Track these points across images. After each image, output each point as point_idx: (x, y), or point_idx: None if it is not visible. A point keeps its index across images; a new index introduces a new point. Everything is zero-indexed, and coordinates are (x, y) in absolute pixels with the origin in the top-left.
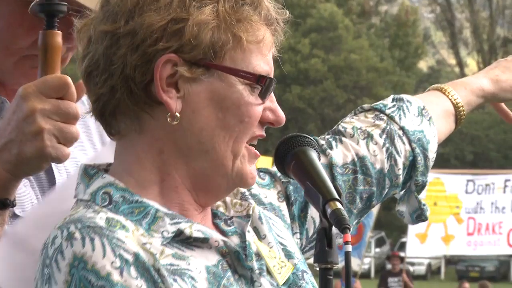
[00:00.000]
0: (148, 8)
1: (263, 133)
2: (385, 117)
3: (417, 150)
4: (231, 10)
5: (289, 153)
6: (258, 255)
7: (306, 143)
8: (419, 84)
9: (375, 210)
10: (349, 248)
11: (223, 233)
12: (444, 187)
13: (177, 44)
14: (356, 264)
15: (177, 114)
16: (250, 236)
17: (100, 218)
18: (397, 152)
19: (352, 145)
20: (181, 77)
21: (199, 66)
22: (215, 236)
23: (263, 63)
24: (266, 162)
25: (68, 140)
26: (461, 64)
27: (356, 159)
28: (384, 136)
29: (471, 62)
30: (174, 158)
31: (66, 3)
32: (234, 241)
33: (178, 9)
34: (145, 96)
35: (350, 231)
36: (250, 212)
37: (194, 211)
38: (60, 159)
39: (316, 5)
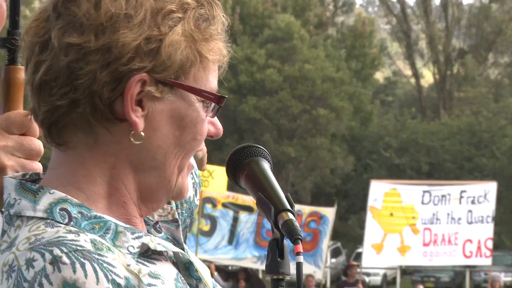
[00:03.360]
0: (121, 25)
1: (194, 164)
2: None
3: None
4: (198, 29)
5: (241, 163)
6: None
7: (258, 153)
8: (375, 95)
9: (331, 220)
10: (301, 259)
11: None
12: (401, 198)
13: (151, 65)
14: (312, 271)
15: (142, 133)
16: (185, 244)
17: (85, 240)
18: (197, 183)
19: None
20: (146, 95)
21: (166, 85)
22: (172, 247)
23: (215, 78)
24: (221, 172)
25: None
26: (417, 75)
27: None
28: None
29: (427, 73)
30: (124, 174)
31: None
32: (172, 248)
33: (151, 28)
34: (109, 112)
35: (301, 241)
36: (176, 217)
37: (139, 223)
38: None
39: (273, 15)
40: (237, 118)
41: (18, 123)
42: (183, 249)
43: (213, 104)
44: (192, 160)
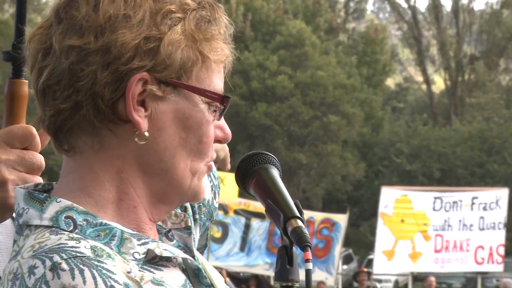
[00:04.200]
0: (120, 25)
1: (213, 166)
2: None
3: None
4: (199, 29)
5: (250, 170)
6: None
7: (267, 160)
8: (387, 101)
9: (343, 226)
10: (310, 266)
11: None
12: (412, 204)
13: (151, 64)
14: (324, 278)
15: (146, 133)
16: (197, 251)
17: (85, 247)
18: (216, 186)
19: None
20: (149, 96)
21: (168, 85)
22: (180, 253)
23: (220, 80)
24: (233, 178)
25: None
26: (428, 81)
27: None
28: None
29: (438, 79)
30: (133, 177)
31: None
32: (181, 254)
33: (150, 27)
34: (112, 113)
35: (311, 248)
36: (189, 224)
37: (149, 230)
38: None
39: (284, 22)
40: (248, 124)
41: (20, 137)
42: (193, 256)
43: (220, 107)
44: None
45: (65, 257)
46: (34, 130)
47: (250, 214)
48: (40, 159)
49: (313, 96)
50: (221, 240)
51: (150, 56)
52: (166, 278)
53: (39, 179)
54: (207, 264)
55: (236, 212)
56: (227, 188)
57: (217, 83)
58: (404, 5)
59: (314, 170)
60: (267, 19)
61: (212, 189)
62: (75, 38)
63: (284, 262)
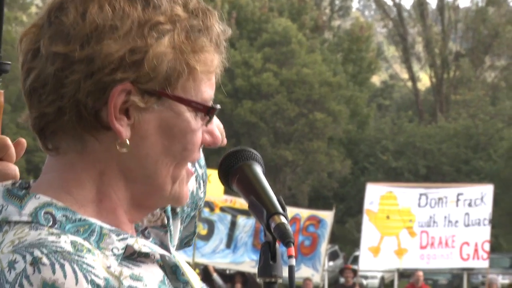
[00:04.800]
0: (106, 36)
1: (200, 156)
2: None
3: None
4: (187, 40)
5: (233, 167)
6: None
7: (250, 157)
8: (372, 98)
9: (329, 223)
10: (293, 262)
11: None
12: (397, 201)
13: (135, 75)
14: (310, 274)
15: (127, 141)
16: (173, 248)
17: (65, 242)
18: (201, 176)
19: None
20: (132, 105)
21: (152, 95)
22: (159, 250)
23: (209, 89)
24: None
25: None
26: (414, 78)
27: None
28: None
29: (424, 77)
30: (115, 180)
31: (9, 62)
32: (159, 250)
33: (136, 39)
34: (94, 121)
35: (293, 244)
36: (165, 222)
37: (127, 230)
38: None
39: (270, 20)
40: (233, 122)
41: None
42: (170, 253)
43: (207, 116)
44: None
45: (45, 251)
46: (8, 140)
47: (236, 211)
48: (14, 169)
49: (298, 93)
50: (207, 237)
51: (134, 68)
52: (145, 274)
53: None
54: (183, 262)
55: (222, 209)
56: (213, 185)
57: (205, 91)
58: (390, 2)
59: (300, 167)
60: (252, 17)
61: (196, 179)
62: (61, 45)
63: (268, 258)
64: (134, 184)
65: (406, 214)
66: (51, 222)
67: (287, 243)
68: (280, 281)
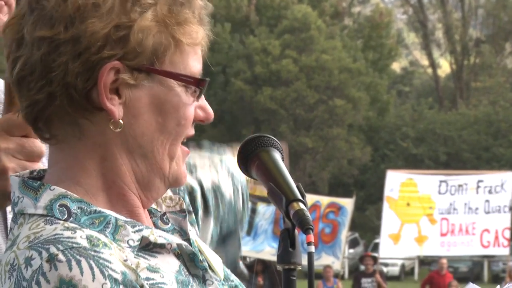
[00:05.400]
0: (89, 15)
1: (193, 132)
2: None
3: None
4: (171, 14)
5: (251, 153)
6: (200, 251)
7: (269, 143)
8: (392, 85)
9: (349, 210)
10: (312, 249)
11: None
12: (417, 188)
13: (122, 52)
14: (331, 262)
15: (121, 121)
16: (193, 234)
17: (81, 237)
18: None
19: None
20: (122, 83)
21: (141, 71)
22: (175, 239)
23: (197, 62)
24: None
25: None
26: (434, 65)
27: None
28: None
29: (444, 63)
30: (117, 165)
31: None
32: (175, 240)
33: (120, 15)
34: (86, 102)
35: (313, 231)
36: (184, 207)
37: (142, 214)
38: None
39: (289, 6)
40: (253, 109)
41: (19, 125)
42: (188, 239)
43: (197, 89)
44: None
45: (61, 248)
46: None
47: (256, 198)
48: (40, 146)
49: (318, 80)
50: None
51: (121, 45)
52: (161, 264)
53: (39, 167)
54: (204, 246)
55: None
56: None
57: (194, 65)
58: None
59: (320, 154)
60: (272, 3)
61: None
62: (45, 29)
63: (287, 245)
64: (136, 166)
65: (426, 201)
66: (66, 215)
67: (306, 230)
68: (299, 268)
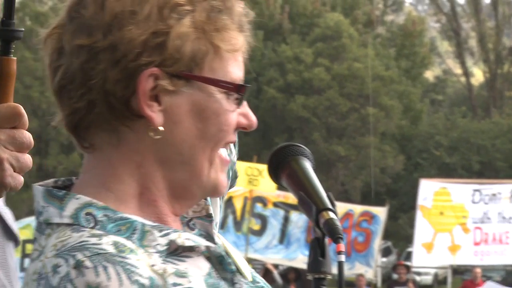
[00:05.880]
0: (127, 22)
1: (235, 138)
2: None
3: None
4: (209, 20)
5: (282, 162)
6: (227, 254)
7: (299, 152)
8: (425, 93)
9: (382, 219)
10: (342, 258)
11: None
12: (451, 197)
13: (160, 58)
14: (363, 270)
15: (161, 128)
16: (220, 238)
17: (107, 243)
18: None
19: None
20: (161, 90)
21: (180, 78)
22: (203, 242)
23: (237, 69)
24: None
25: (23, 169)
26: (467, 73)
27: None
28: None
29: (477, 72)
30: (152, 171)
31: (23, 29)
32: (203, 242)
33: (157, 22)
34: (126, 110)
35: (343, 241)
36: (210, 212)
37: (172, 222)
38: (17, 188)
39: (322, 14)
40: (286, 117)
41: (9, 117)
42: (215, 243)
43: (238, 95)
44: (223, 152)
45: (88, 254)
46: (21, 109)
47: (289, 207)
48: (29, 137)
49: (350, 88)
50: (260, 233)
51: (158, 51)
52: (190, 269)
53: (28, 158)
54: (231, 248)
55: (275, 204)
56: (266, 181)
57: (234, 72)
58: None
59: (352, 163)
60: (304, 11)
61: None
62: (84, 37)
63: (317, 254)
64: (172, 173)
65: (460, 210)
66: (93, 223)
67: (336, 239)
68: (329, 277)
